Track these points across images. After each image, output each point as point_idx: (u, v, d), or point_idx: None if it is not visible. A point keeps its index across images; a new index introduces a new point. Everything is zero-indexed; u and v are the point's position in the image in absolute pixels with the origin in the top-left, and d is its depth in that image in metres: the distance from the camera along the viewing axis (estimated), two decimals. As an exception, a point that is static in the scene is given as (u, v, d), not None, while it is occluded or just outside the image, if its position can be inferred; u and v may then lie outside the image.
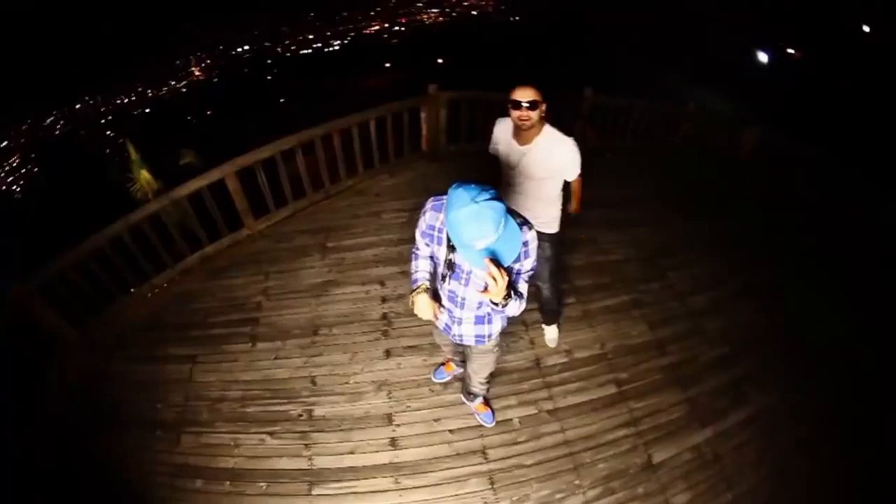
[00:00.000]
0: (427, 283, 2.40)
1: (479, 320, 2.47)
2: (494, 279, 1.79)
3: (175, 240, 4.77)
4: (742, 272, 4.98)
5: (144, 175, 11.94)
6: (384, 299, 4.34)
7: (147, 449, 3.48)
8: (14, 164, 55.94)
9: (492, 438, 3.42)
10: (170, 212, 4.85)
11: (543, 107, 2.84)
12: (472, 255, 1.78)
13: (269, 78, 68.05)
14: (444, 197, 1.87)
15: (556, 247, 3.50)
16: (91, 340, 4.26)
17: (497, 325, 2.56)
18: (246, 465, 3.33)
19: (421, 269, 2.42)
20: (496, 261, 1.79)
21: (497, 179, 3.24)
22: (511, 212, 1.89)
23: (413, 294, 2.37)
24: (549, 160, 3.01)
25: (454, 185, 1.78)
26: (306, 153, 5.23)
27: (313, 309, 4.30)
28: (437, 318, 2.47)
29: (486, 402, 3.55)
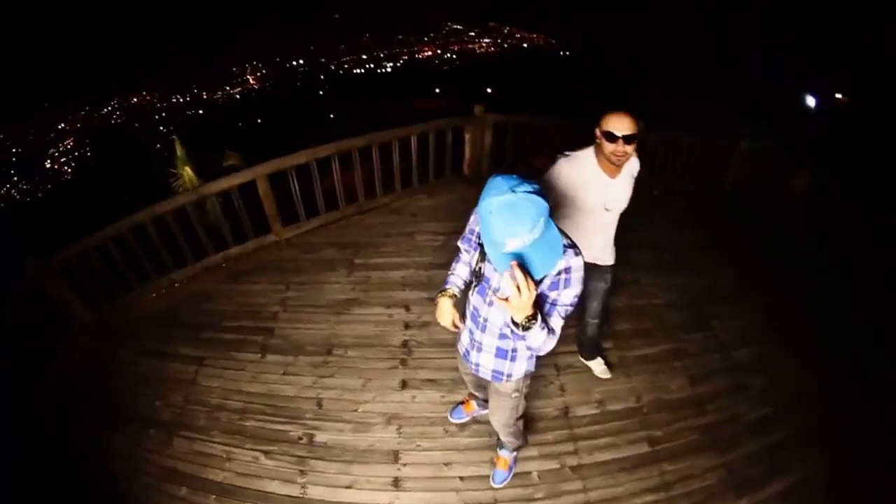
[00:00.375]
0: (457, 290, 2.29)
1: (501, 353, 2.20)
2: (518, 289, 1.51)
3: (200, 237, 4.66)
4: (790, 326, 4.49)
5: (188, 172, 12.20)
6: (407, 325, 4.07)
7: (139, 446, 3.37)
8: (68, 146, 59.13)
9: (505, 492, 3.06)
10: (209, 211, 4.80)
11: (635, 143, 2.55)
12: (500, 258, 1.54)
13: (321, 93, 69.30)
14: None
15: (613, 278, 3.29)
16: (104, 325, 4.27)
17: (520, 366, 2.25)
18: (235, 482, 3.12)
19: (457, 272, 2.30)
20: (525, 268, 1.52)
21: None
22: (560, 231, 1.67)
23: (439, 295, 2.30)
24: (629, 187, 2.81)
25: (494, 174, 1.55)
26: (343, 164, 5.07)
27: (331, 327, 4.07)
28: (454, 328, 2.33)
29: (512, 452, 3.13)
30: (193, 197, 4.45)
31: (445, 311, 2.27)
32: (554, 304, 1.81)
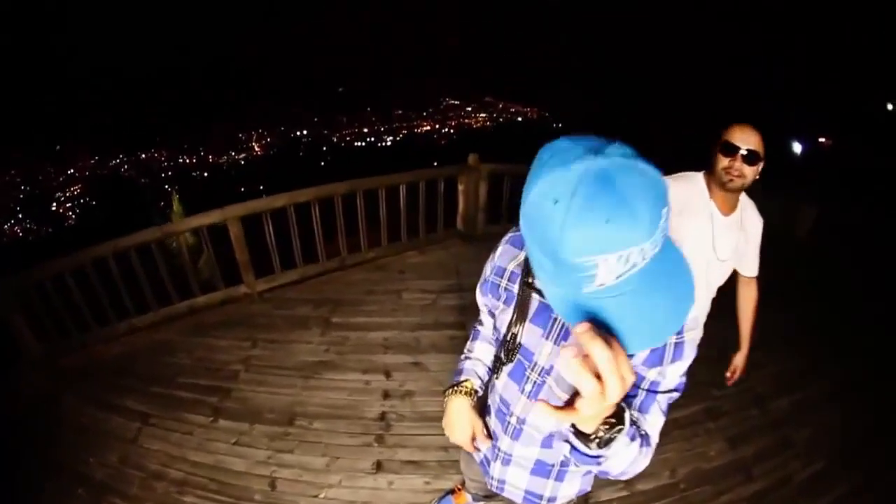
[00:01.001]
0: (478, 383, 1.50)
1: (542, 470, 1.41)
2: (598, 377, 0.65)
3: (165, 282, 4.28)
4: (828, 369, 4.07)
5: (188, 241, 12.25)
6: (386, 395, 3.49)
7: (61, 505, 2.86)
8: (75, 192, 62.83)
9: None
10: (202, 269, 4.47)
11: (762, 164, 2.02)
12: (570, 304, 0.73)
13: (322, 163, 71.27)
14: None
15: None
16: (53, 364, 3.97)
17: (569, 487, 1.46)
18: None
19: (476, 355, 1.54)
20: (606, 332, 0.68)
21: None
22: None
23: (450, 393, 1.49)
24: (750, 236, 2.25)
25: (551, 142, 0.76)
26: (324, 213, 4.65)
27: (297, 392, 3.51)
28: (474, 447, 1.51)
29: None
30: (157, 234, 4.08)
31: (462, 418, 1.46)
32: (652, 390, 1.11)
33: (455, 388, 1.49)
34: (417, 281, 4.87)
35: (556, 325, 1.19)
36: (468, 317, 4.16)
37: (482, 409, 1.54)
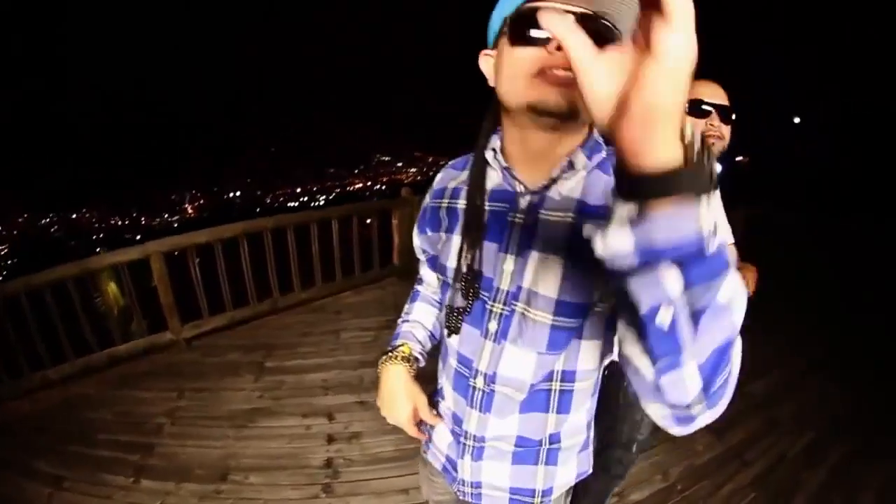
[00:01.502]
0: (418, 349, 1.24)
1: (527, 454, 1.07)
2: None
3: (84, 329, 3.93)
4: (796, 346, 4.33)
5: (112, 288, 12.13)
6: (331, 439, 3.20)
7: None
8: (1, 252, 61.50)
9: None
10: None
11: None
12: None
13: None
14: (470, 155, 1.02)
15: None
16: None
17: (567, 471, 1.12)
18: None
19: (414, 316, 1.30)
20: None
21: None
22: None
23: (383, 361, 1.21)
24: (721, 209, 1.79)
25: None
26: (254, 252, 4.44)
27: (229, 444, 3.18)
28: (419, 431, 1.23)
29: None
30: (74, 270, 3.78)
31: (398, 390, 1.18)
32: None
33: (389, 354, 1.21)
34: (355, 320, 4.68)
35: (514, 231, 0.94)
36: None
37: (433, 395, 1.23)
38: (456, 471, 1.16)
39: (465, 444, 1.11)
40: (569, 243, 0.87)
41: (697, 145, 0.44)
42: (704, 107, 1.76)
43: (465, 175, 1.08)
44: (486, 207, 0.98)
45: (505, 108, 0.89)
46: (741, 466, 3.01)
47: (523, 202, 0.93)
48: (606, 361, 1.00)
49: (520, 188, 0.93)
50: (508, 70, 0.82)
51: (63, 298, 3.78)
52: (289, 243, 4.60)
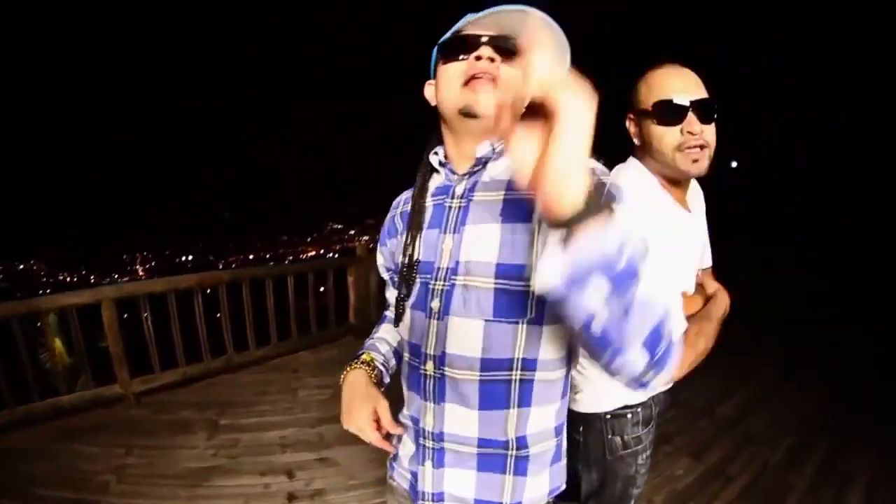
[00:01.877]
0: (381, 360, 1.23)
1: (493, 460, 1.02)
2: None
3: (27, 374, 3.80)
4: (757, 363, 4.57)
5: (58, 344, 11.41)
6: (292, 496, 3.09)
7: None
8: None
9: None
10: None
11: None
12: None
13: (208, 290, 73.43)
14: None
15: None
16: None
17: (538, 484, 1.05)
18: None
19: (379, 334, 1.31)
20: None
21: None
22: None
23: (346, 370, 1.18)
24: (702, 215, 1.55)
25: None
26: (209, 306, 4.41)
27: None
28: (377, 434, 1.07)
29: None
30: (21, 308, 3.70)
31: (357, 394, 1.11)
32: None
33: (351, 363, 1.20)
34: (313, 378, 4.64)
35: (451, 214, 1.03)
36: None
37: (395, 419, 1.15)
38: (419, 482, 1.09)
39: (424, 447, 1.07)
40: (501, 217, 0.96)
41: (593, 187, 0.60)
42: (675, 106, 1.31)
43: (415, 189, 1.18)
44: (429, 203, 1.10)
45: (444, 119, 1.06)
46: (725, 483, 3.07)
47: (459, 189, 1.05)
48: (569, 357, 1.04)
49: (455, 178, 1.06)
50: (443, 84, 1.02)
51: (5, 340, 3.67)
52: (244, 298, 4.58)
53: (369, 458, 3.22)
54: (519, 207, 0.94)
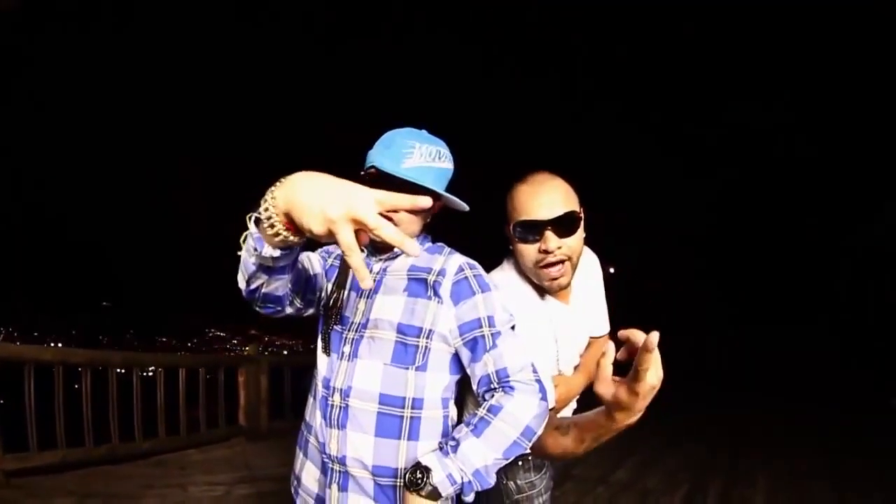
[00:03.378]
0: None
1: (386, 490, 1.24)
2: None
3: None
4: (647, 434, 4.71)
5: None
6: None
7: None
8: None
9: None
10: None
11: (582, 223, 1.46)
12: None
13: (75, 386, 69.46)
14: None
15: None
16: None
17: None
18: None
19: None
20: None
21: None
22: None
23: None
24: (592, 293, 1.72)
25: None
26: (97, 387, 4.26)
27: None
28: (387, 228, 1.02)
29: None
30: None
31: (344, 182, 0.89)
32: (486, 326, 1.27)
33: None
34: (203, 476, 4.41)
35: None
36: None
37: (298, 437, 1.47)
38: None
39: (331, 469, 1.27)
40: (405, 291, 1.30)
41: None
42: (532, 225, 1.40)
43: None
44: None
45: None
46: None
47: (377, 267, 1.38)
48: (451, 396, 1.36)
49: (374, 259, 1.40)
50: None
51: None
52: (134, 385, 4.50)
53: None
54: (419, 285, 1.30)
